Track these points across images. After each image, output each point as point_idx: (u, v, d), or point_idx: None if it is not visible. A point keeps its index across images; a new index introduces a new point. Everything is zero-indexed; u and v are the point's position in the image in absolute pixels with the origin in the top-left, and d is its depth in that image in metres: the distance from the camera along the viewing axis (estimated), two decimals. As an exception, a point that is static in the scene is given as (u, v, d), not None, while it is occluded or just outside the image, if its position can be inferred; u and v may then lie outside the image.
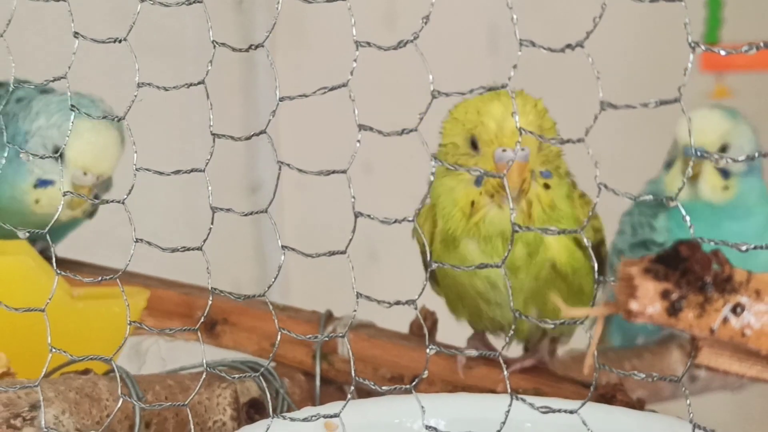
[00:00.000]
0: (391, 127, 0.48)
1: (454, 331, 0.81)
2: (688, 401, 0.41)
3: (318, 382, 0.79)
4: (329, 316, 0.81)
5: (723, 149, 0.95)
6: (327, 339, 0.78)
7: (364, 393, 0.72)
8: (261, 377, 0.74)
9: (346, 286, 0.51)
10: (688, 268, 0.38)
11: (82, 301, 0.79)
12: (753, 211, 0.97)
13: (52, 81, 0.53)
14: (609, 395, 0.71)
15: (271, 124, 0.49)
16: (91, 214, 0.95)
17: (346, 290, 0.53)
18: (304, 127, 1.62)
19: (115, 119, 0.73)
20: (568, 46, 0.43)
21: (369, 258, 1.70)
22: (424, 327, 0.58)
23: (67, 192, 0.57)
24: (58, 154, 0.73)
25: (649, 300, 0.38)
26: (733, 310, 0.39)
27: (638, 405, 0.70)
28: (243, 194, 1.73)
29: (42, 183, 0.87)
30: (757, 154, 0.41)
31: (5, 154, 0.81)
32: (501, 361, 0.46)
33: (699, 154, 0.91)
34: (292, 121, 1.61)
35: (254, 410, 0.73)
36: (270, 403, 0.73)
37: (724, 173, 0.96)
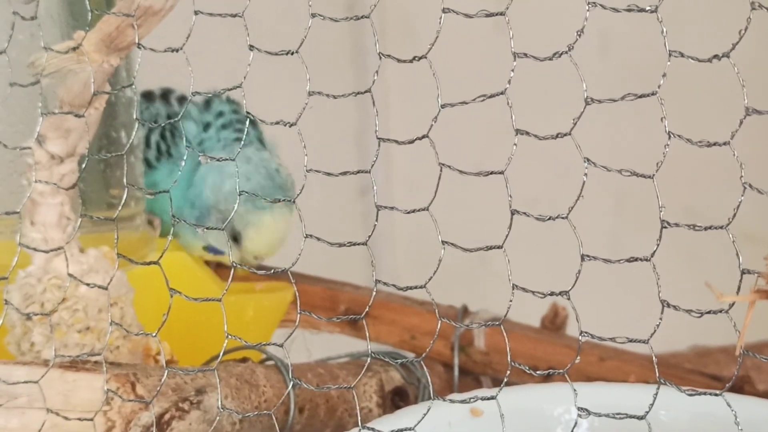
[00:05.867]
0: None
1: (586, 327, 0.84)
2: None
3: (456, 373, 0.83)
4: (465, 310, 0.85)
5: None
6: (467, 328, 0.82)
7: (497, 383, 0.76)
8: (403, 367, 0.78)
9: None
10: (830, 259, 0.43)
11: (234, 295, 0.83)
12: None
13: (230, 90, 0.57)
14: (737, 386, 0.75)
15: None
16: None
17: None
18: (417, 129, 1.64)
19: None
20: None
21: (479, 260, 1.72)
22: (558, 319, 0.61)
23: (235, 263, 0.58)
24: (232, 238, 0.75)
25: (794, 287, 0.43)
26: None
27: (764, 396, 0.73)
28: (353, 197, 1.76)
29: (212, 249, 0.86)
30: None
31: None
32: (650, 346, 0.50)
33: None
34: (404, 121, 1.64)
35: (398, 398, 0.77)
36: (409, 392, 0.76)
37: None
